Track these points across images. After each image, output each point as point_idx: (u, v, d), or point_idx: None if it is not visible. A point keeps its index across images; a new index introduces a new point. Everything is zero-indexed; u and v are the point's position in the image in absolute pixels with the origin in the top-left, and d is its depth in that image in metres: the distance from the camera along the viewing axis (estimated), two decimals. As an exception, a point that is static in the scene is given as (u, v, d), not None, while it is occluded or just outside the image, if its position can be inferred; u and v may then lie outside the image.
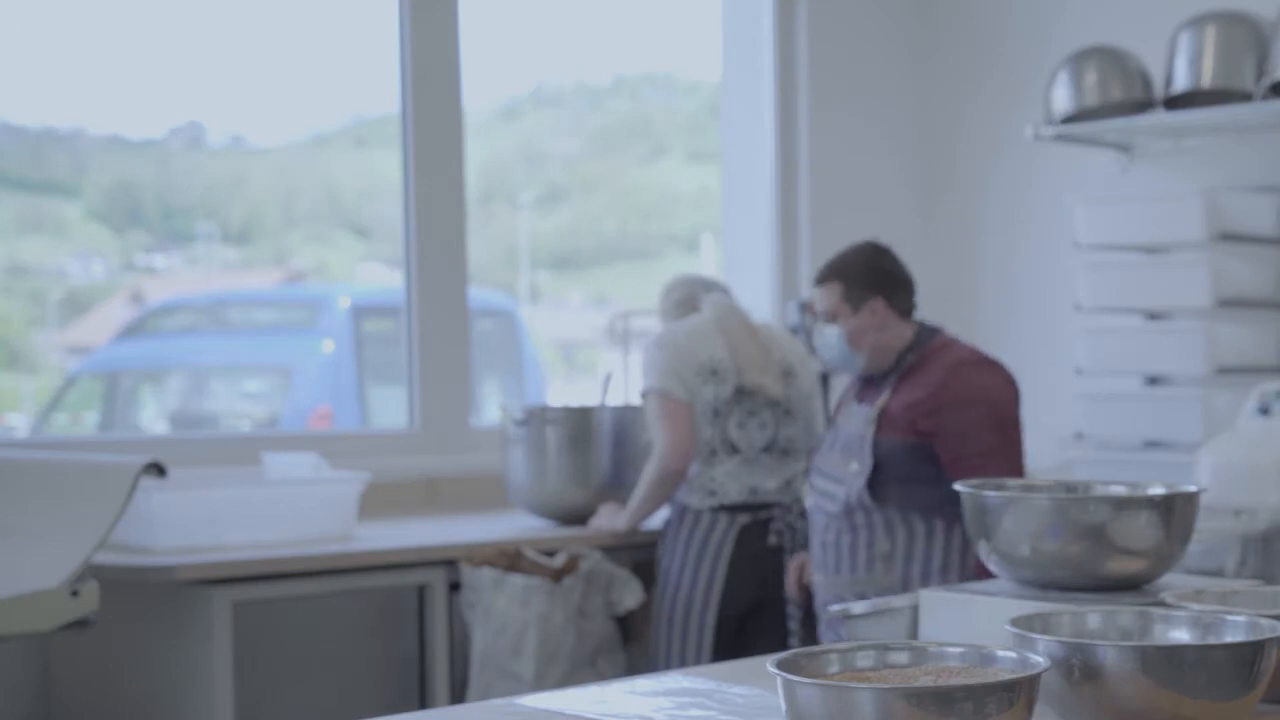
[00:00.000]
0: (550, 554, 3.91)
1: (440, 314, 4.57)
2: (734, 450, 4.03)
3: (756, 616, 4.00)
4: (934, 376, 3.60)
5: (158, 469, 3.08)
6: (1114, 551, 1.91)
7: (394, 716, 1.92)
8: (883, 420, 3.61)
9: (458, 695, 3.84)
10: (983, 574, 2.89)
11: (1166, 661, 1.52)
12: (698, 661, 3.86)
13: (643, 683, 2.08)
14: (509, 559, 3.85)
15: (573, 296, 10.05)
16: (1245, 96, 4.54)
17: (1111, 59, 4.77)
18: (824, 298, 3.71)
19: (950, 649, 1.54)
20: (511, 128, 9.35)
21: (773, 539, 4.02)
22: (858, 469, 3.61)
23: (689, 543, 4.01)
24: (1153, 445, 4.70)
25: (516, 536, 3.96)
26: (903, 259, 3.80)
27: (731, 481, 4.02)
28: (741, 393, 4.04)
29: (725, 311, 4.11)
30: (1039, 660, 1.48)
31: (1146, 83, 4.76)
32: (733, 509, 4.01)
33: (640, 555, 4.15)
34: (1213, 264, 4.54)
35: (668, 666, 3.90)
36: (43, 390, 7.30)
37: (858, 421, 3.66)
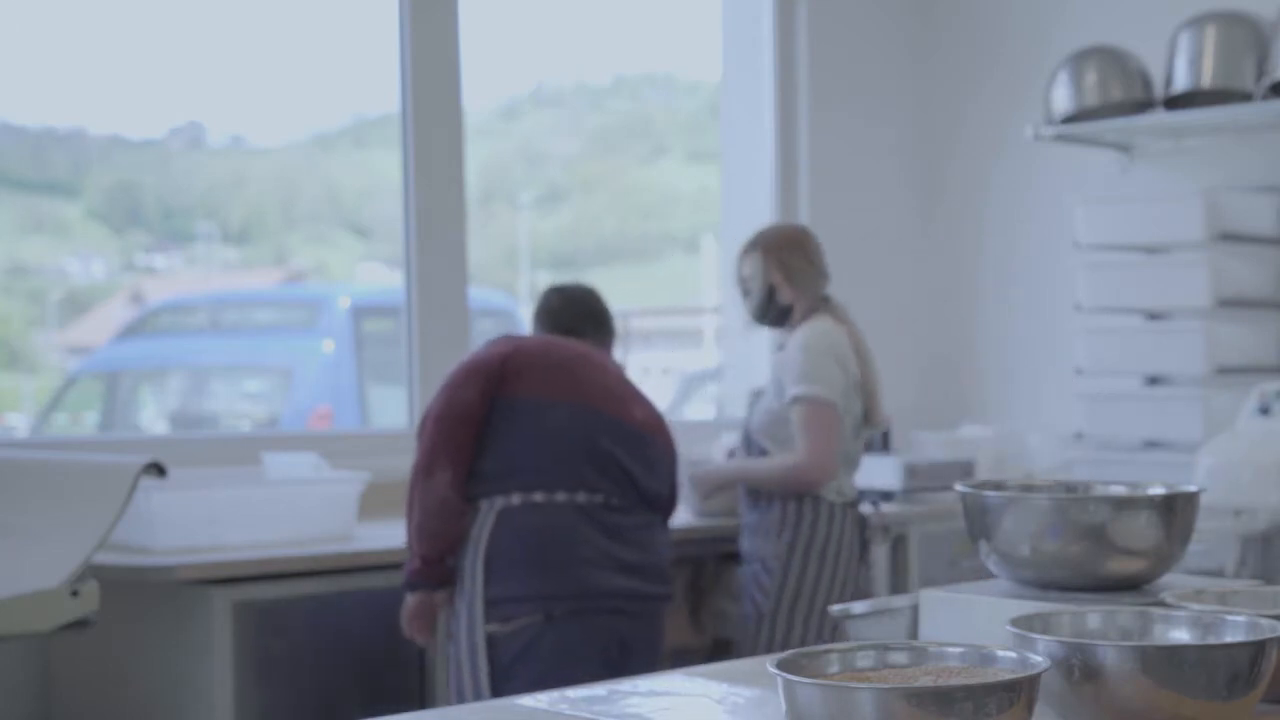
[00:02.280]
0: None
1: (440, 314, 4.57)
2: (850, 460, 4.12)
3: None
4: None
5: (158, 469, 3.08)
6: (1114, 551, 1.91)
7: (394, 717, 1.92)
8: None
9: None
10: None
11: (1166, 661, 1.52)
12: None
13: (642, 682, 2.08)
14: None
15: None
16: (1245, 96, 4.54)
17: (1111, 59, 4.77)
18: None
19: (950, 649, 1.54)
20: (511, 128, 9.35)
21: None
22: None
23: (825, 537, 4.02)
24: (1153, 445, 4.70)
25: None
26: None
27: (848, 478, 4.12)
28: (868, 413, 4.11)
29: (848, 326, 4.11)
30: (1039, 660, 1.48)
31: (1146, 83, 4.76)
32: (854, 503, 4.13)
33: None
34: (1213, 264, 4.54)
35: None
36: (43, 390, 7.30)
37: None
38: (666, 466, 3.68)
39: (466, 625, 3.47)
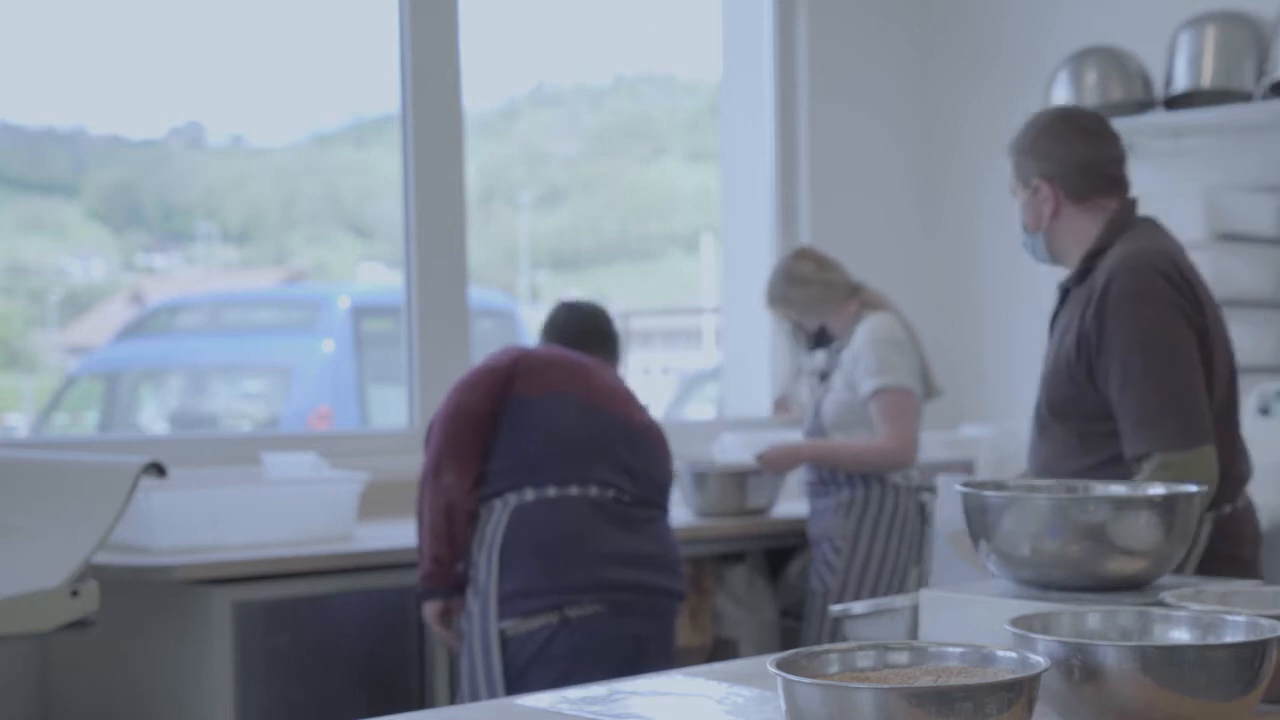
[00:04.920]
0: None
1: (440, 314, 4.57)
2: None
3: None
4: None
5: (158, 469, 3.08)
6: (1114, 551, 1.91)
7: (394, 716, 1.92)
8: None
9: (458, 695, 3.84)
10: None
11: (1166, 661, 1.52)
12: None
13: (643, 682, 2.08)
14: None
15: (573, 296, 10.05)
16: (1245, 96, 4.55)
17: (1111, 59, 4.77)
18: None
19: (950, 649, 1.54)
20: (511, 128, 9.36)
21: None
22: None
23: (890, 518, 4.21)
24: (1153, 445, 4.69)
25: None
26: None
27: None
28: (928, 388, 4.33)
29: (893, 311, 4.34)
30: (1039, 660, 1.48)
31: (1146, 83, 4.76)
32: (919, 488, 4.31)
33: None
34: (1213, 264, 4.54)
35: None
36: (43, 390, 7.31)
37: None
38: (666, 467, 3.70)
39: (480, 624, 3.45)
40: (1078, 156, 3.00)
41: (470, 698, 3.45)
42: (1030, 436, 3.05)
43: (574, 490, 3.49)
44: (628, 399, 3.68)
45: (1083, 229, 3.02)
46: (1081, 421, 2.89)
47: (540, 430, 3.52)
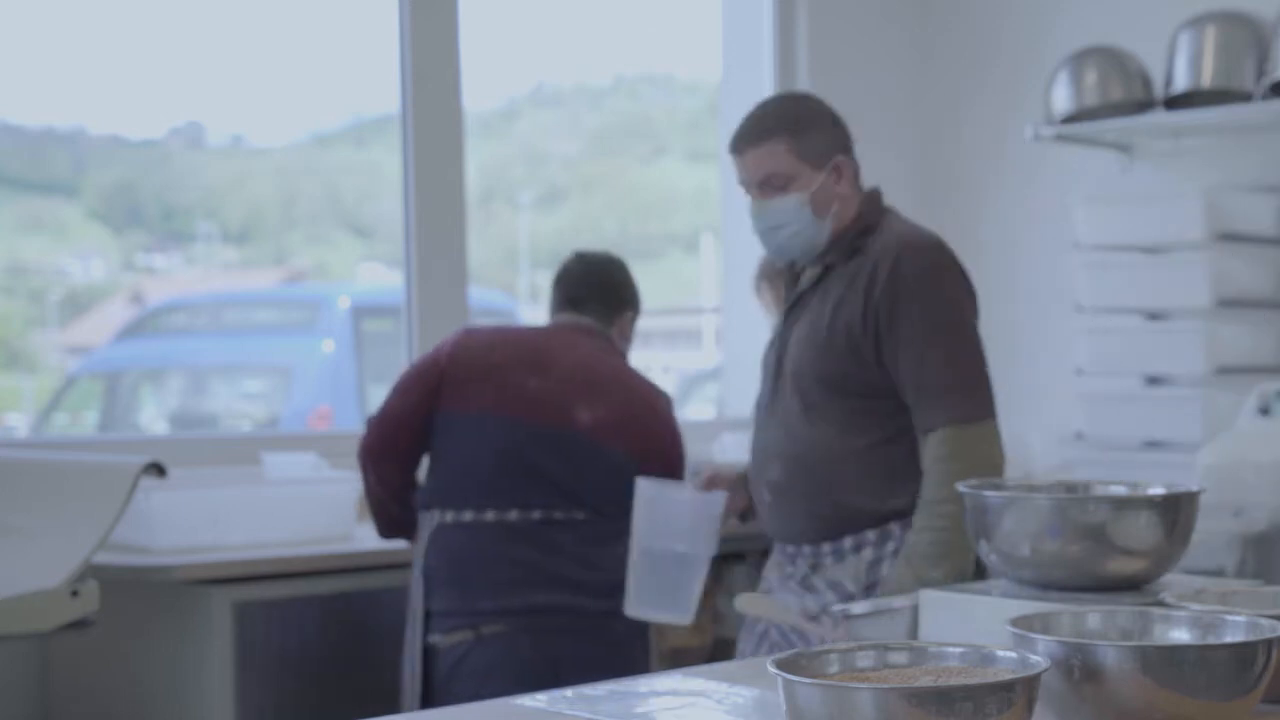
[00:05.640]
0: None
1: (440, 314, 4.57)
2: None
3: None
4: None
5: (158, 469, 3.08)
6: (1114, 551, 1.91)
7: (394, 716, 1.92)
8: None
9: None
10: None
11: (1166, 661, 1.52)
12: None
13: (643, 682, 2.08)
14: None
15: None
16: (1245, 96, 4.54)
17: (1111, 59, 4.77)
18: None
19: (950, 649, 1.54)
20: (511, 128, 9.35)
21: None
22: None
23: None
24: (1153, 445, 4.70)
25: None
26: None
27: None
28: None
29: None
30: (1039, 660, 1.48)
31: (1146, 83, 4.76)
32: None
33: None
34: (1213, 264, 4.54)
35: None
36: (43, 390, 7.30)
37: None
38: (612, 465, 3.47)
39: (410, 635, 3.50)
40: (849, 134, 3.03)
41: (405, 703, 3.49)
42: (780, 421, 2.97)
43: (490, 515, 3.43)
44: (573, 398, 3.48)
45: (849, 209, 3.00)
46: (857, 399, 2.88)
47: (458, 454, 3.46)
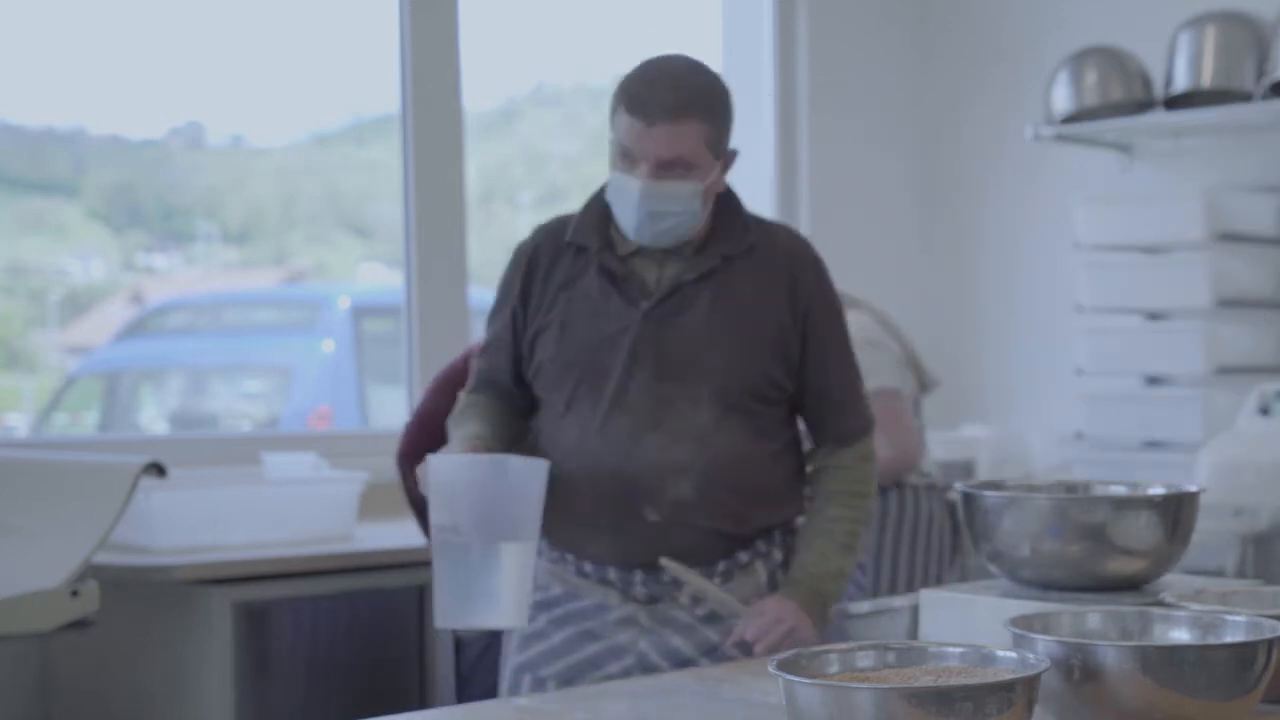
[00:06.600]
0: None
1: (440, 314, 4.57)
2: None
3: None
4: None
5: (158, 469, 3.08)
6: (1114, 551, 1.91)
7: (394, 716, 1.92)
8: None
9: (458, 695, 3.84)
10: None
11: (1166, 661, 1.52)
12: None
13: (643, 682, 2.08)
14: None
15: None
16: (1245, 96, 4.55)
17: (1111, 59, 4.77)
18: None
19: (950, 649, 1.54)
20: (511, 128, 9.34)
21: None
22: None
23: (913, 523, 3.97)
24: (1153, 445, 4.70)
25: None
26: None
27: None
28: (920, 380, 4.07)
29: (862, 306, 4.06)
30: (1039, 660, 1.48)
31: (1146, 83, 4.76)
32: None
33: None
34: (1213, 264, 4.54)
35: None
36: (43, 390, 7.29)
37: None
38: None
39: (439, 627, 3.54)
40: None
41: (440, 695, 3.64)
42: (674, 429, 2.63)
43: None
44: None
45: (713, 199, 2.82)
46: (772, 404, 2.71)
47: None
